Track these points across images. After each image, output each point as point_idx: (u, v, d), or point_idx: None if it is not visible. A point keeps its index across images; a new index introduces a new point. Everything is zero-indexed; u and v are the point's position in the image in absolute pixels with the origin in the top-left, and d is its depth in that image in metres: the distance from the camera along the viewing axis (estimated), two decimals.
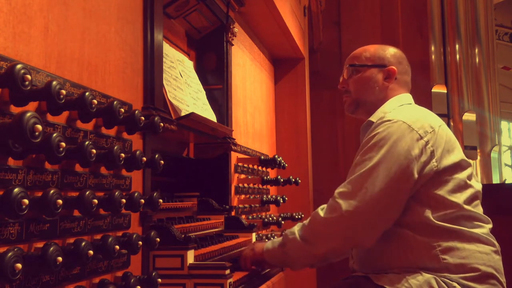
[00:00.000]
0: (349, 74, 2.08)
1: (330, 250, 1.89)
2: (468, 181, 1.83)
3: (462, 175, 1.82)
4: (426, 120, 1.86)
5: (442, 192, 1.77)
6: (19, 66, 1.01)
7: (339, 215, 1.77)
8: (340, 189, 1.82)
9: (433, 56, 5.27)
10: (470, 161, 5.07)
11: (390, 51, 2.08)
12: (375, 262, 1.86)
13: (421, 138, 1.78)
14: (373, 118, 1.96)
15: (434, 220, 1.75)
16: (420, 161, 1.76)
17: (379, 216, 1.76)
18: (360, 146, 1.88)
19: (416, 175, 1.75)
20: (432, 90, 5.19)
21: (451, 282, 1.70)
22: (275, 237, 2.98)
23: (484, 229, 1.81)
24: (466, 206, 1.79)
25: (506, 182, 6.28)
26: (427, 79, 5.07)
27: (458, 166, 1.83)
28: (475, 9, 5.55)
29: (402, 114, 1.86)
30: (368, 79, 2.03)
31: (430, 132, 1.81)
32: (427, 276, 1.71)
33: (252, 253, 2.07)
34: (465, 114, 5.32)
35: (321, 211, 1.85)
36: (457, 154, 1.85)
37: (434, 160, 1.78)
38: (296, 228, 1.94)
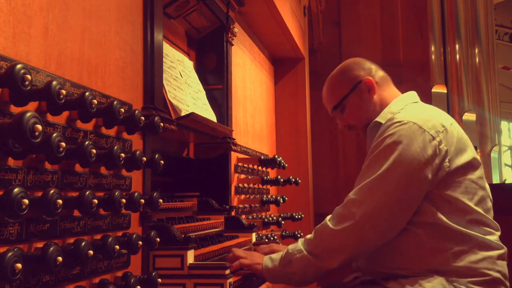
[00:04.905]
0: (340, 114, 2.07)
1: (343, 261, 1.79)
2: (479, 183, 1.80)
3: (474, 176, 1.79)
4: (437, 119, 1.82)
5: (455, 193, 1.74)
6: (19, 66, 1.01)
7: (353, 223, 1.72)
8: (351, 196, 1.76)
9: (433, 56, 5.26)
10: None
11: (347, 68, 2.06)
12: (383, 261, 1.81)
13: (434, 138, 1.74)
14: (380, 118, 1.93)
15: (447, 222, 1.72)
16: (435, 163, 1.72)
17: (392, 222, 1.73)
18: (370, 149, 1.83)
19: (430, 177, 1.71)
20: (432, 90, 5.18)
21: (459, 286, 1.68)
22: (275, 237, 2.98)
23: (494, 236, 1.78)
24: (478, 209, 1.76)
25: (506, 182, 6.27)
26: (427, 79, 5.07)
27: (470, 166, 1.79)
28: (475, 9, 5.54)
29: (412, 114, 1.82)
30: (357, 103, 2.01)
31: (442, 132, 1.77)
32: (440, 278, 1.69)
33: (250, 263, 1.93)
34: (465, 114, 5.31)
35: (329, 222, 1.79)
36: (469, 153, 1.82)
37: (447, 160, 1.74)
38: (301, 245, 1.84)
